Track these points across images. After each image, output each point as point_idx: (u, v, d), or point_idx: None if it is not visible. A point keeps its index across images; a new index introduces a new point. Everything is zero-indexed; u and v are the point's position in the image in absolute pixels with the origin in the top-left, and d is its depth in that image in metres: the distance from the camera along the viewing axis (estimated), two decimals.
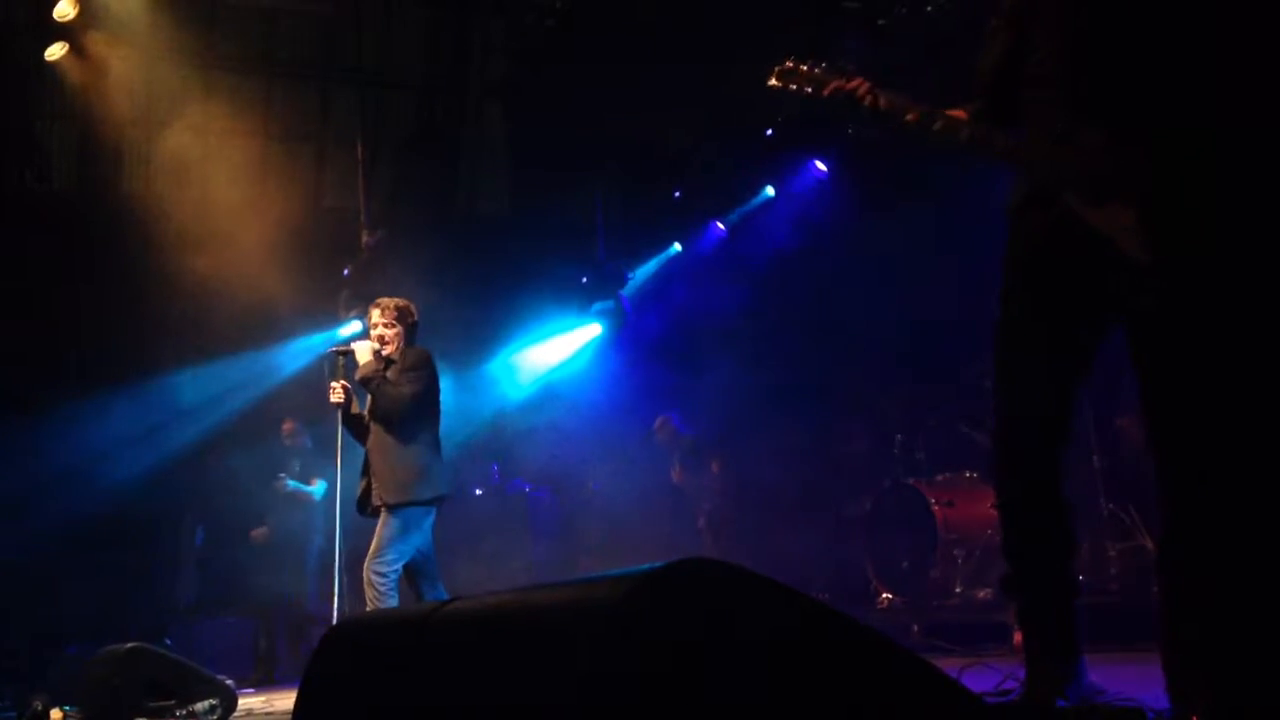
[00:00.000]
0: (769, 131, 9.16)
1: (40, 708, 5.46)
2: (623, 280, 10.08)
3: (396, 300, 5.67)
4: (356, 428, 5.61)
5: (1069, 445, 2.97)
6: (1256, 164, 2.67)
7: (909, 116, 3.02)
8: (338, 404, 5.57)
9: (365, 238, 9.33)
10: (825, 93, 3.14)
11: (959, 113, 3.07)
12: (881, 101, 3.05)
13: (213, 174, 9.94)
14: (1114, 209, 2.76)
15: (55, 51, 8.06)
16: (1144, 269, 2.70)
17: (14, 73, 8.58)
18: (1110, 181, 2.77)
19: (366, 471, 5.49)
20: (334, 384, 5.59)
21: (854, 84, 3.12)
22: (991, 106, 3.05)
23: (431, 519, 5.46)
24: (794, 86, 3.20)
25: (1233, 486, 2.60)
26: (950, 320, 7.12)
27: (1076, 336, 2.93)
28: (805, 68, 3.20)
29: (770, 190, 9.70)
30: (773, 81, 3.25)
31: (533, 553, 9.28)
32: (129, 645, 5.41)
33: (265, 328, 9.31)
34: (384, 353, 5.51)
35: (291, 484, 8.37)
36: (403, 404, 5.35)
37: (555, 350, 10.69)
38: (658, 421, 8.88)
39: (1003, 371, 3.02)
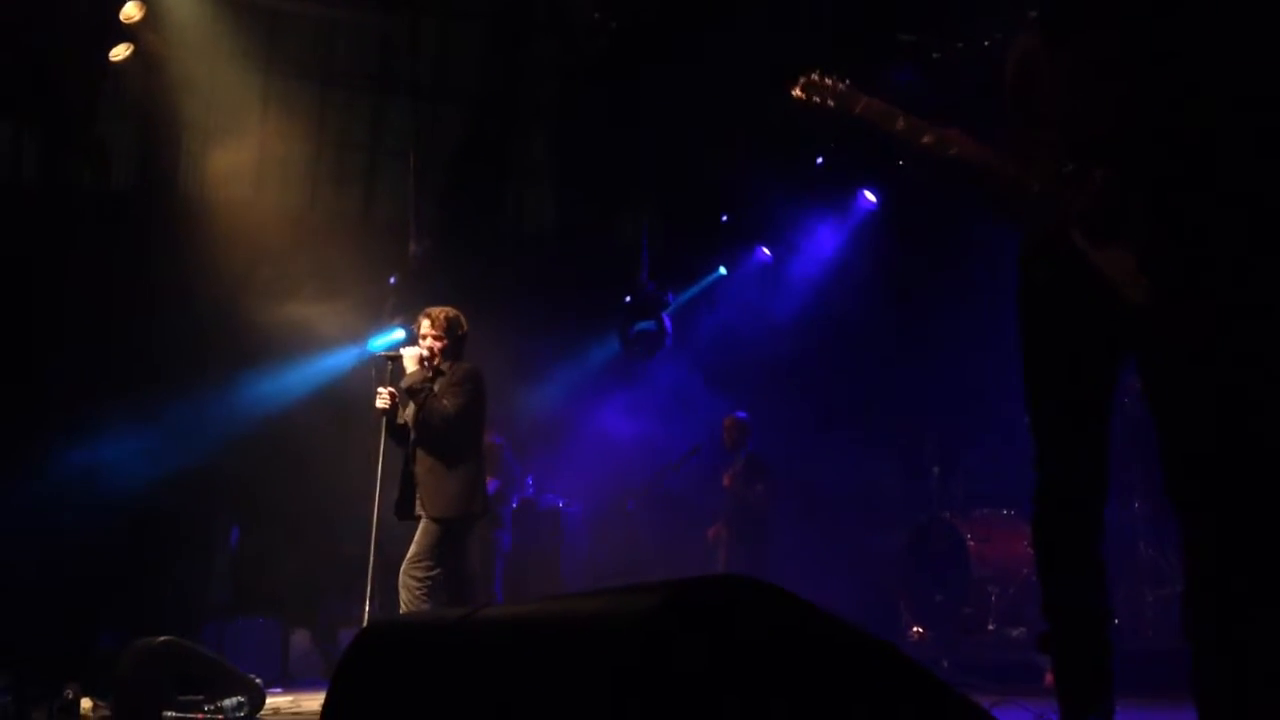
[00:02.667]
0: (819, 160, 9.15)
1: (71, 697, 5.51)
2: (665, 302, 10.08)
3: (447, 311, 5.62)
4: (401, 435, 5.62)
5: (1105, 499, 2.93)
6: (1257, 210, 2.63)
7: (898, 124, 3.05)
8: (383, 410, 5.54)
9: (413, 248, 9.40)
10: (845, 108, 3.17)
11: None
12: (900, 124, 3.06)
13: (267, 178, 10.09)
14: (1116, 252, 2.75)
15: (120, 53, 8.21)
16: (1141, 315, 2.69)
17: (80, 72, 8.75)
18: (1113, 224, 2.76)
19: (406, 477, 5.51)
20: (381, 390, 5.56)
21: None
22: None
23: (470, 529, 5.49)
24: (816, 99, 3.23)
25: (1249, 529, 2.56)
26: (994, 354, 7.07)
27: (1094, 381, 2.90)
28: (830, 82, 3.22)
29: (817, 219, 9.69)
30: (796, 92, 3.28)
31: (564, 567, 9.29)
32: (161, 638, 5.45)
33: (313, 332, 9.40)
34: (430, 364, 5.53)
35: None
36: (448, 418, 5.35)
37: (595, 367, 10.72)
38: (729, 419, 8.59)
39: (1034, 431, 2.98)
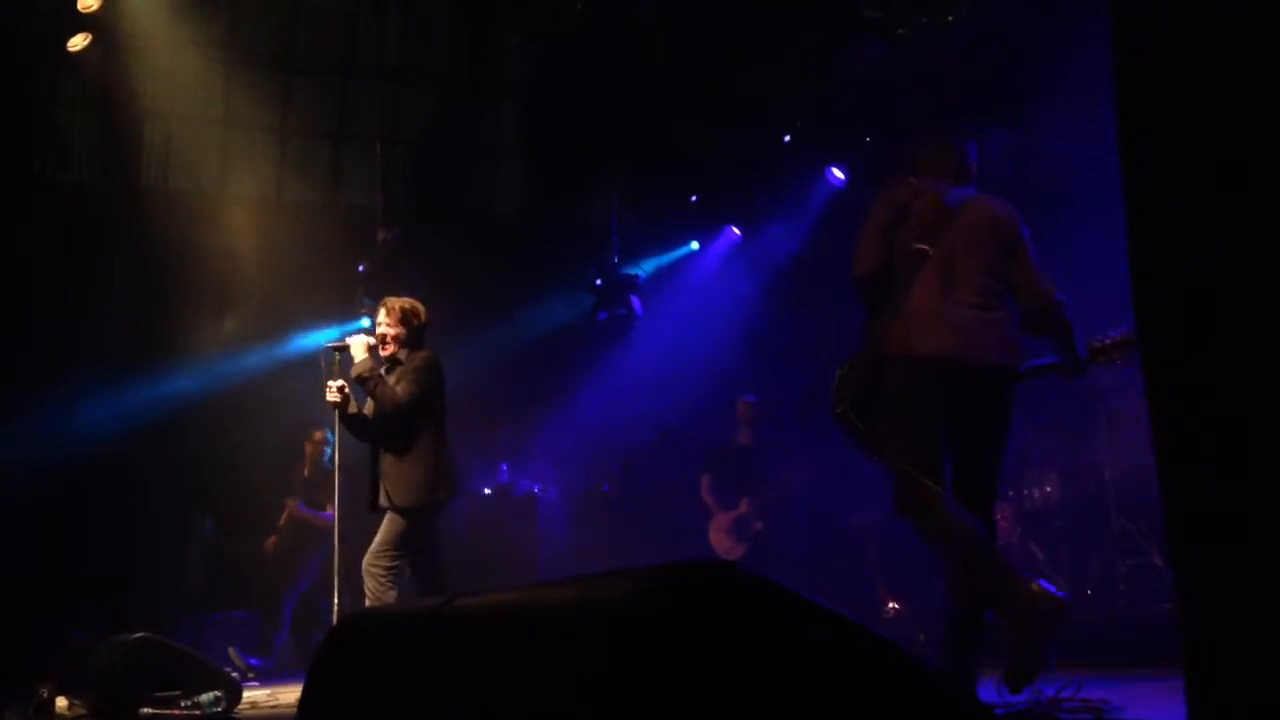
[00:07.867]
0: (786, 138, 9.14)
1: (46, 695, 5.47)
2: (635, 283, 10.07)
3: (403, 301, 5.57)
4: (357, 426, 5.54)
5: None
6: None
7: None
8: (334, 403, 5.46)
9: (381, 234, 9.34)
10: None
11: None
12: None
13: (231, 167, 9.99)
14: None
15: (78, 42, 8.08)
16: None
17: (37, 62, 8.62)
18: None
19: (373, 469, 5.48)
20: (330, 382, 5.47)
21: None
22: None
23: (435, 517, 5.46)
24: None
25: None
26: None
27: None
28: None
29: (786, 196, 9.67)
30: None
31: (540, 553, 9.28)
32: (135, 635, 5.42)
33: (281, 322, 9.33)
34: (383, 353, 5.46)
35: None
36: (399, 404, 5.29)
37: (566, 351, 10.68)
38: (742, 401, 8.71)
39: None
